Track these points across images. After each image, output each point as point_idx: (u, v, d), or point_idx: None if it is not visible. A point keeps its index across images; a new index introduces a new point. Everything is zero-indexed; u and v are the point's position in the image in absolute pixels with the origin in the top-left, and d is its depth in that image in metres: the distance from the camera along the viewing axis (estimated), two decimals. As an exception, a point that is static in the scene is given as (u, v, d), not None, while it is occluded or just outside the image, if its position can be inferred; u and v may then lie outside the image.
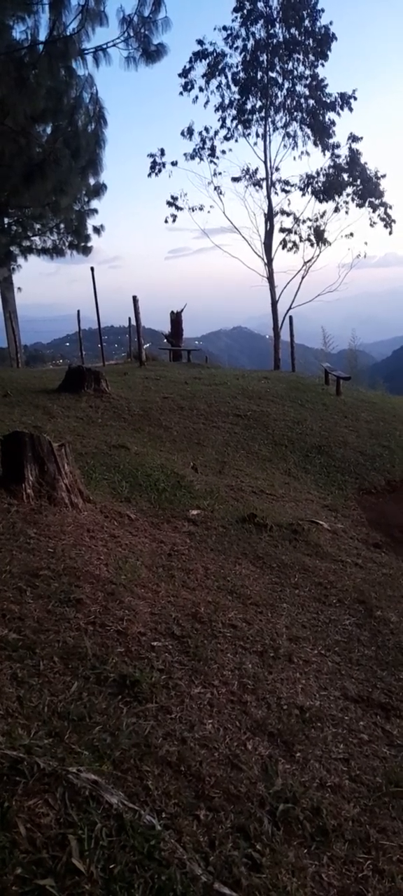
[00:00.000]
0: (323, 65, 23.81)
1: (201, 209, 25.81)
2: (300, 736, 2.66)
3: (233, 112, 24.76)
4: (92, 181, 11.91)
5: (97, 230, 13.89)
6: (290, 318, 21.11)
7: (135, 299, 16.49)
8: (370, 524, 7.46)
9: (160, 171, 25.34)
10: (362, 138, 24.06)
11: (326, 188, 24.38)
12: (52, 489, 5.02)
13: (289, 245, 25.31)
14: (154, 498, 6.25)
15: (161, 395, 11.71)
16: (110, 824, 1.85)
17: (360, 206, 24.44)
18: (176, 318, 22.20)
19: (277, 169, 25.24)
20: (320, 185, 24.50)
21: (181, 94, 24.71)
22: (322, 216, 24.87)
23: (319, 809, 2.19)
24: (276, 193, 25.28)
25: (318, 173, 24.54)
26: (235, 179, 25.47)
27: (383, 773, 2.51)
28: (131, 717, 2.52)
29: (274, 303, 25.49)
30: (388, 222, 24.42)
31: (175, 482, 6.78)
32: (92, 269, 17.22)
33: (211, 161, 25.23)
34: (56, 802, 1.80)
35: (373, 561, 5.80)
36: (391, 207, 24.24)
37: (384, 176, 24.21)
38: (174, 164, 25.13)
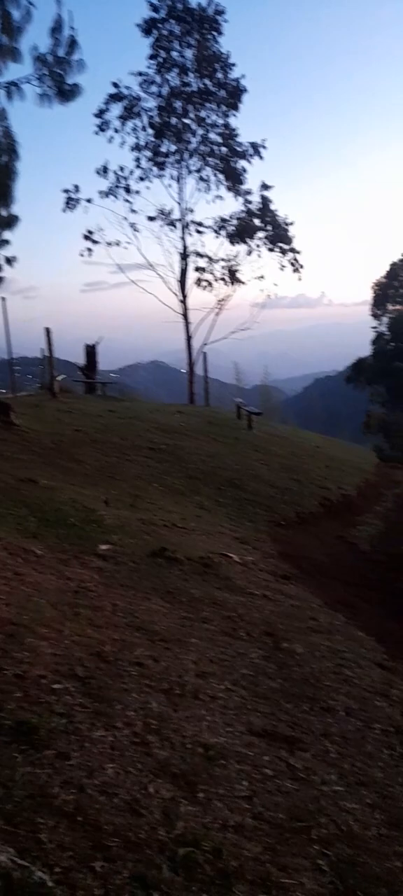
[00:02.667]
0: (234, 115, 24.86)
1: (117, 245, 25.80)
2: (203, 775, 2.61)
3: (148, 154, 25.17)
4: (3, 213, 11.69)
5: (9, 261, 13.61)
6: (204, 353, 21.53)
7: (47, 331, 16.22)
8: (280, 556, 7.60)
9: (75, 206, 25.19)
10: (273, 186, 25.18)
11: (239, 231, 25.21)
12: None
13: (204, 284, 25.87)
14: (62, 533, 6.07)
15: (73, 428, 11.49)
16: (-3, 885, 1.72)
17: (271, 250, 25.45)
18: (90, 351, 21.97)
19: (191, 210, 25.82)
20: (233, 228, 25.30)
21: (96, 133, 24.87)
22: (235, 257, 25.67)
23: (220, 851, 2.15)
24: (190, 234, 25.83)
25: (231, 217, 25.36)
26: (151, 218, 25.75)
27: (285, 809, 2.51)
28: (26, 766, 2.39)
29: (189, 338, 25.85)
30: (297, 267, 25.59)
31: (85, 517, 6.63)
32: (3, 299, 16.81)
33: (126, 200, 25.42)
34: None
35: (282, 593, 5.89)
36: (299, 253, 25.44)
37: (292, 223, 25.41)
38: (89, 201, 25.10)
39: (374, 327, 37.35)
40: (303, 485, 10.92)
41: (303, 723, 3.36)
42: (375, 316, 37.57)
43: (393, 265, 37.72)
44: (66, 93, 9.57)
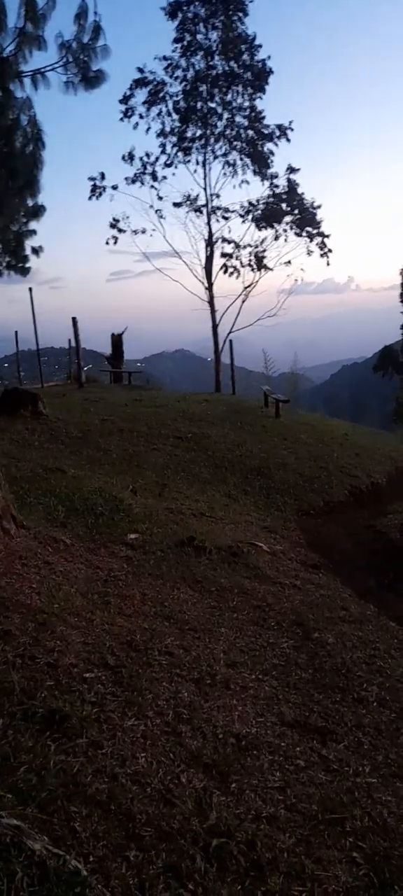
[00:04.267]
0: (260, 97, 24.47)
1: (143, 232, 25.74)
2: (236, 766, 2.60)
3: (174, 139, 24.99)
4: (30, 202, 11.68)
5: (36, 251, 13.61)
6: (230, 341, 21.44)
7: (74, 321, 16.30)
8: (308, 545, 7.53)
9: (101, 194, 25.20)
10: (299, 169, 24.76)
11: (265, 216, 24.90)
12: (-18, 515, 4.82)
13: (230, 270, 25.65)
14: (91, 522, 6.10)
15: (100, 418, 11.55)
16: (32, 872, 1.74)
17: (298, 234, 25.07)
18: (116, 340, 22.06)
19: (217, 196, 25.58)
20: (259, 213, 25.01)
21: (121, 119, 24.81)
22: (262, 243, 25.38)
23: (254, 842, 2.13)
24: (217, 220, 25.62)
25: (258, 202, 25.07)
26: (176, 205, 25.62)
27: (319, 801, 2.48)
28: (59, 754, 2.40)
29: (215, 326, 25.69)
30: (324, 252, 25.16)
31: (113, 506, 6.65)
32: (30, 289, 16.98)
33: (152, 186, 25.33)
34: (-28, 855, 1.68)
35: (311, 582, 5.84)
36: (327, 237, 25.00)
37: (319, 207, 24.96)
38: (115, 188, 25.06)
39: (403, 312, 36.62)
40: (332, 473, 10.79)
41: (335, 714, 3.33)
42: (404, 301, 36.84)
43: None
44: (91, 79, 9.51)
